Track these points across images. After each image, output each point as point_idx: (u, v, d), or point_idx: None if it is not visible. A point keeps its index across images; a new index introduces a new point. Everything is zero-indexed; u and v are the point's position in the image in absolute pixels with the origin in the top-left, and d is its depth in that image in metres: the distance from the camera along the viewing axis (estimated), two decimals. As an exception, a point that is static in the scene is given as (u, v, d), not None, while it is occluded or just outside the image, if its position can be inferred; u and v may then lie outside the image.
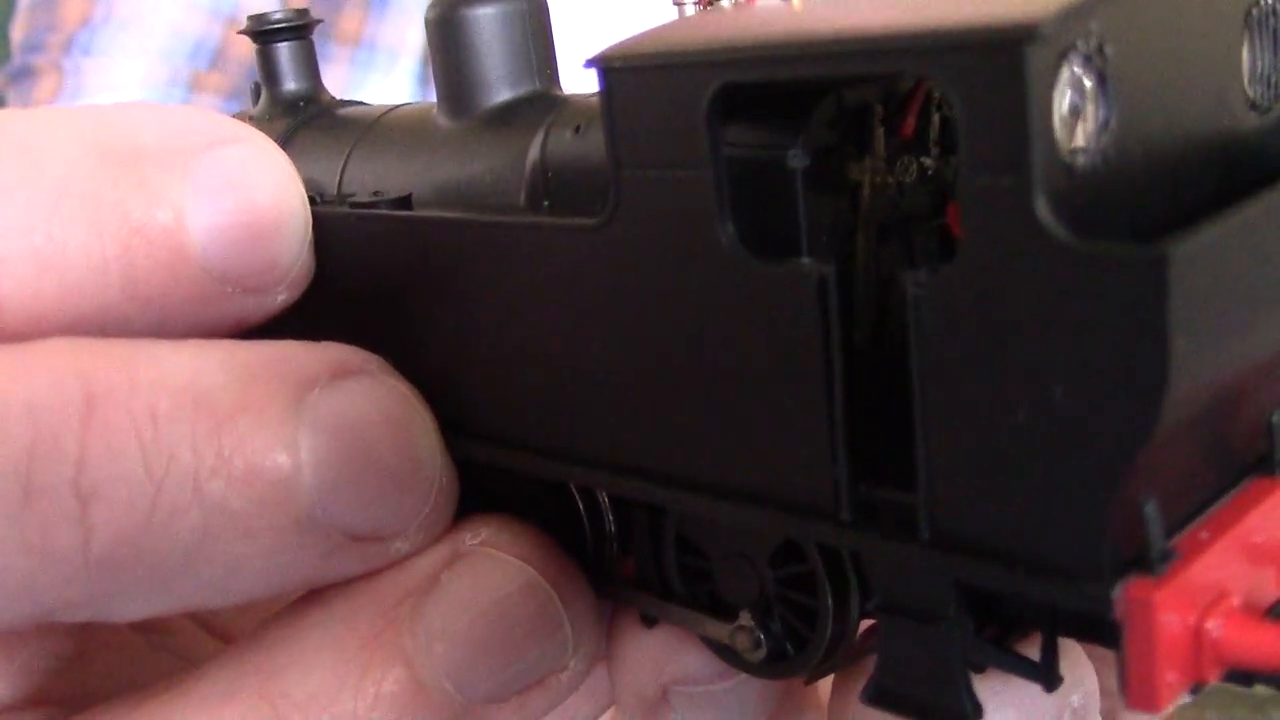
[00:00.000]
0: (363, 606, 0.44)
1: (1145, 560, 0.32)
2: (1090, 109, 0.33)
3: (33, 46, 1.46)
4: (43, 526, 0.39)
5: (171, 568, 0.41)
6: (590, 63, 0.39)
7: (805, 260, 0.36)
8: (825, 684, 0.53)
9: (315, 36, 0.58)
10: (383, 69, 1.41)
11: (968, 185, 0.32)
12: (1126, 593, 0.32)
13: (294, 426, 0.42)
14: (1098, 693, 0.44)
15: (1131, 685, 0.32)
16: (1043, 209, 0.31)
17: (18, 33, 1.49)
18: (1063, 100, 0.32)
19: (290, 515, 0.42)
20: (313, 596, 0.45)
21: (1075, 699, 0.42)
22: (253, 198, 0.44)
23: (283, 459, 0.42)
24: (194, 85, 1.38)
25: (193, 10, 1.39)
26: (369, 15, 1.40)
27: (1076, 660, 0.43)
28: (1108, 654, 0.43)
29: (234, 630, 0.56)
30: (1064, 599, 0.33)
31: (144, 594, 0.42)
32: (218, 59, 1.38)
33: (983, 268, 0.32)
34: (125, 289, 0.43)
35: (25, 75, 1.46)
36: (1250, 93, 0.39)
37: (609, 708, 0.55)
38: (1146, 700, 0.32)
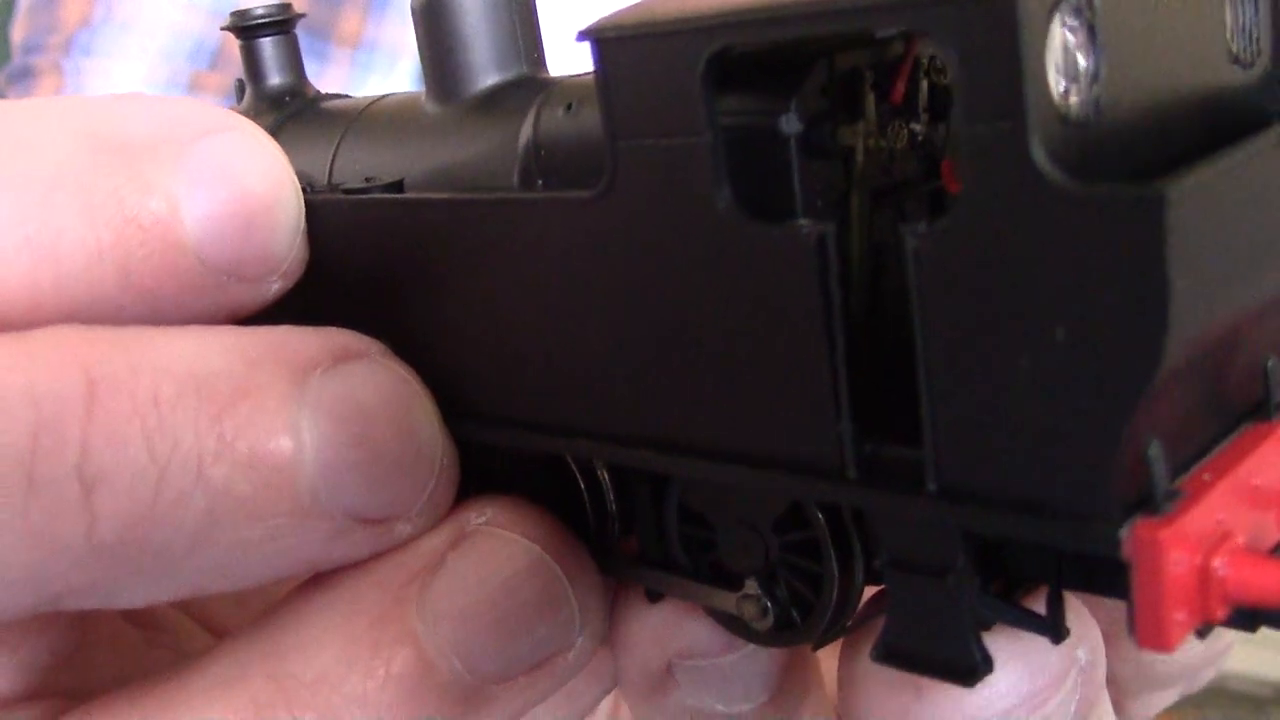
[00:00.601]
0: (369, 588, 0.44)
1: (1151, 501, 0.33)
2: (1081, 58, 0.33)
3: (33, 47, 1.45)
4: (47, 514, 0.39)
5: (176, 552, 0.41)
6: (583, 35, 0.39)
7: (803, 221, 0.37)
8: (827, 658, 0.53)
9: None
10: (382, 70, 1.41)
11: (964, 134, 0.32)
12: (1134, 533, 0.32)
13: (296, 410, 0.42)
14: (1103, 650, 0.44)
15: (1141, 625, 0.33)
16: (1039, 154, 0.31)
17: (18, 33, 1.49)
18: (1055, 49, 0.32)
19: (294, 499, 0.42)
20: (318, 579, 0.45)
21: (1082, 655, 0.43)
22: (245, 186, 0.44)
23: (285, 442, 0.42)
24: (194, 86, 1.38)
25: (192, 10, 1.39)
26: (368, 16, 1.40)
27: (1082, 618, 0.43)
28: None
29: (232, 626, 0.55)
30: (1073, 542, 0.33)
31: (149, 579, 0.42)
32: (218, 59, 1.37)
33: (981, 216, 0.33)
34: (119, 279, 0.43)
35: (25, 76, 1.45)
36: (1233, 47, 0.39)
37: (610, 690, 0.55)
38: (1157, 639, 0.33)
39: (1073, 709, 0.43)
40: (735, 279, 0.38)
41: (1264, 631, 0.38)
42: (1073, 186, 0.31)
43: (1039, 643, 0.41)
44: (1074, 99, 0.33)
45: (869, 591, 0.44)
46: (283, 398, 0.42)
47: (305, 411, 0.43)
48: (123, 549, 0.40)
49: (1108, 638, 0.46)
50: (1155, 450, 0.33)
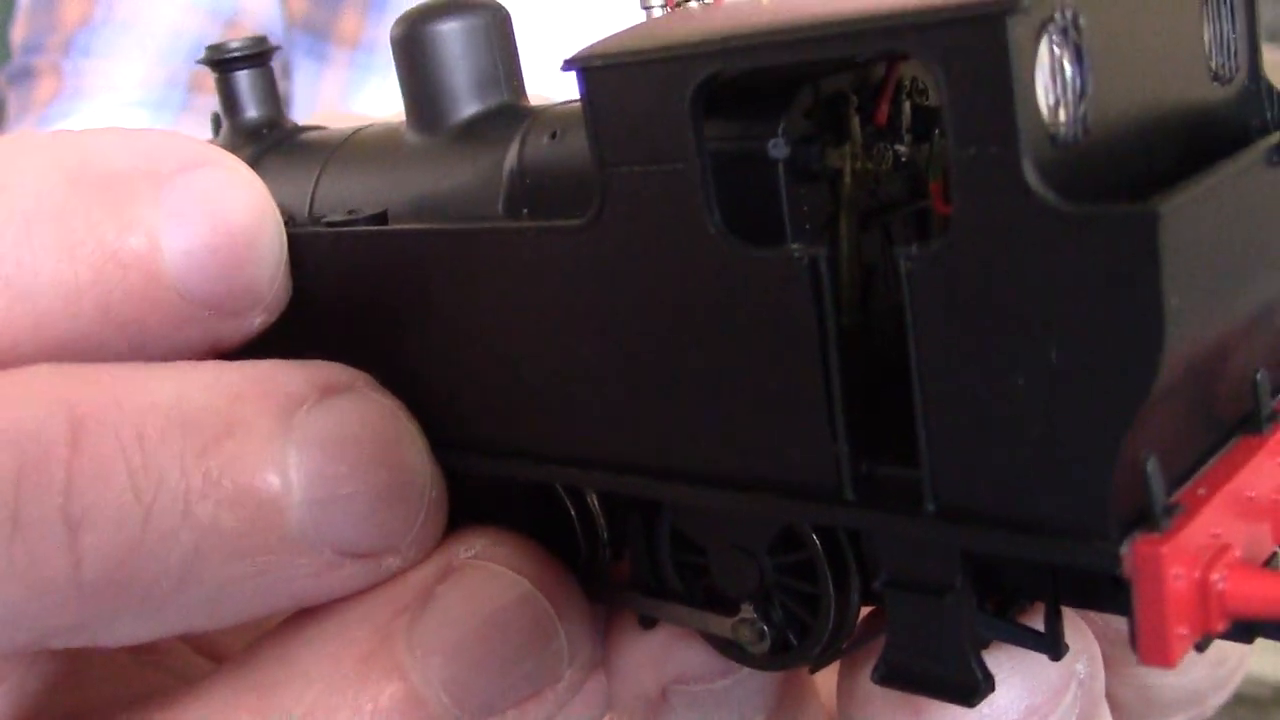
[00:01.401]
0: (358, 621, 0.44)
1: (1150, 516, 0.33)
2: (1068, 79, 0.33)
3: (32, 47, 1.44)
4: (33, 554, 0.39)
5: (164, 591, 0.41)
6: (569, 65, 0.39)
7: (795, 245, 0.37)
8: (824, 680, 0.53)
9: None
10: (382, 71, 1.40)
11: (955, 156, 0.33)
12: (1134, 549, 0.33)
13: (282, 445, 0.42)
14: (1101, 662, 0.44)
15: (1143, 641, 0.33)
16: (1031, 175, 0.32)
17: (17, 34, 1.48)
18: (1044, 71, 0.33)
19: (281, 535, 0.42)
20: (307, 612, 0.45)
21: (1080, 668, 0.43)
22: (226, 221, 0.44)
23: (272, 479, 0.42)
24: (193, 86, 1.37)
25: (192, 11, 1.38)
26: (368, 17, 1.39)
27: (1080, 631, 0.43)
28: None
29: (223, 648, 0.55)
30: (1073, 559, 0.33)
31: (137, 618, 0.41)
32: None
33: (974, 238, 0.33)
34: (100, 316, 0.42)
35: (25, 76, 1.44)
36: (1212, 64, 0.40)
37: (601, 717, 0.55)
38: (1159, 654, 0.33)
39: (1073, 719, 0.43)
40: (727, 304, 0.38)
41: None
42: (1066, 207, 0.31)
43: (1037, 658, 0.42)
44: (1062, 119, 0.33)
45: (864, 614, 0.44)
46: (269, 433, 0.42)
47: (292, 447, 0.42)
48: (109, 588, 0.40)
49: (1109, 661, 0.46)
50: (1152, 466, 0.33)
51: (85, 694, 0.48)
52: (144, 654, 0.53)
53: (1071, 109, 0.33)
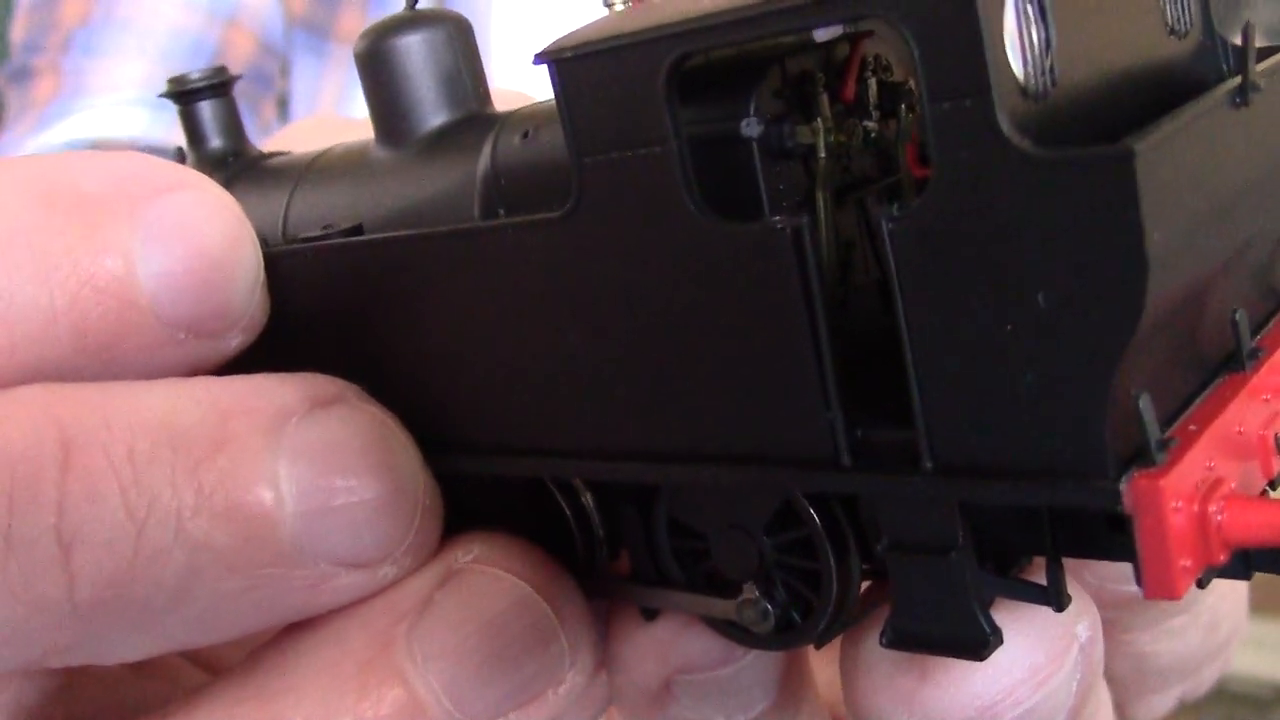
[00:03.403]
0: (356, 629, 0.44)
1: (1145, 452, 0.34)
2: (1034, 32, 0.34)
3: (32, 47, 1.43)
4: (26, 575, 0.39)
5: (158, 608, 0.41)
6: (540, 58, 0.40)
7: (777, 217, 0.37)
8: (821, 671, 0.54)
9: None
10: None
11: (930, 113, 0.33)
12: (1133, 485, 0.33)
13: (273, 459, 0.42)
14: (1101, 627, 0.45)
15: (1149, 575, 0.33)
16: (1006, 124, 0.32)
17: (17, 33, 1.47)
18: (1010, 23, 0.33)
19: (275, 548, 0.42)
20: (305, 622, 0.45)
21: (1082, 630, 0.43)
22: (202, 243, 0.44)
23: (264, 493, 0.42)
24: None
25: (192, 10, 1.38)
26: (368, 14, 1.37)
27: (1080, 596, 0.44)
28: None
29: (222, 659, 0.55)
30: (1074, 501, 0.34)
31: (132, 636, 0.41)
32: (217, 59, 1.35)
33: (954, 192, 0.33)
34: (76, 340, 0.42)
35: (24, 75, 1.42)
36: (1168, 20, 0.41)
37: (601, 715, 0.55)
38: (1165, 587, 0.33)
39: (1074, 687, 0.43)
40: (712, 281, 0.38)
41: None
42: (1043, 153, 0.32)
43: (1039, 621, 0.42)
44: (1031, 71, 0.34)
45: (863, 589, 0.45)
46: (259, 448, 0.42)
47: (283, 460, 0.42)
48: (104, 606, 0.40)
49: (1104, 629, 0.47)
50: (1145, 402, 0.34)
51: (83, 705, 0.48)
52: (142, 666, 0.52)
53: (1039, 61, 0.34)
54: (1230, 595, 0.54)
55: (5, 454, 0.39)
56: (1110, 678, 0.55)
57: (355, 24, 1.38)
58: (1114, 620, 0.53)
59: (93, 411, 0.41)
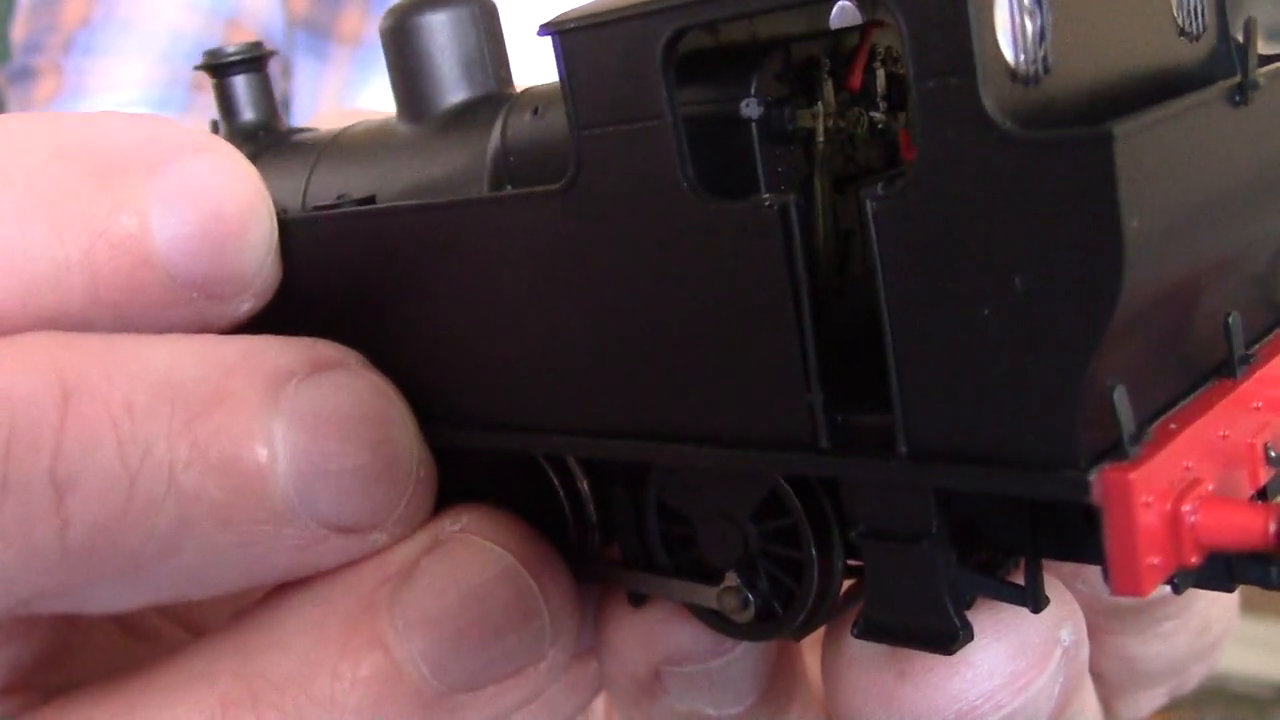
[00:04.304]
0: (342, 591, 0.44)
1: (1118, 445, 0.33)
2: (1028, 17, 0.34)
3: (33, 47, 1.46)
4: (19, 517, 0.39)
5: (148, 558, 0.41)
6: (544, 29, 0.40)
7: (766, 195, 0.37)
8: (813, 659, 0.53)
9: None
10: (383, 70, 1.40)
11: (916, 91, 0.33)
12: (1103, 476, 0.33)
13: (269, 418, 0.43)
14: (1085, 632, 0.44)
15: (1115, 570, 0.33)
16: (990, 103, 0.32)
17: (18, 33, 1.49)
18: (1002, 5, 0.33)
19: (266, 506, 0.42)
20: (293, 583, 0.45)
21: (1065, 635, 0.43)
22: (218, 207, 0.45)
23: (259, 450, 0.42)
24: (194, 86, 1.38)
25: (193, 11, 1.40)
26: (369, 15, 1.40)
27: (1065, 600, 0.43)
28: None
29: (210, 625, 0.55)
30: (1043, 491, 0.34)
31: (121, 584, 0.42)
32: None
33: (937, 172, 0.33)
34: (88, 293, 0.43)
35: (25, 75, 1.45)
36: (1179, 21, 0.40)
37: (590, 702, 0.55)
38: (1131, 584, 0.33)
39: (1056, 691, 0.43)
40: (702, 258, 0.38)
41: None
42: (1024, 133, 0.32)
43: (1022, 624, 0.41)
44: (1022, 57, 0.34)
45: (847, 587, 0.44)
46: (257, 406, 0.43)
47: (279, 420, 0.43)
48: (94, 553, 0.40)
49: (1092, 631, 0.46)
50: (1120, 395, 0.33)
51: (76, 668, 0.49)
52: (139, 639, 0.53)
53: (1031, 46, 0.34)
54: (1222, 598, 0.53)
55: (6, 396, 0.40)
56: (1098, 676, 0.55)
57: (356, 25, 1.40)
58: (1104, 625, 0.52)
59: (95, 361, 0.41)
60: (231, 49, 0.59)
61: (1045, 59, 0.34)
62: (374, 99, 1.31)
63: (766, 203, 0.37)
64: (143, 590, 0.42)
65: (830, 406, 0.37)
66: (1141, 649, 0.53)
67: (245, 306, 0.47)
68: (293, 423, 0.43)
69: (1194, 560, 0.34)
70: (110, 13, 1.42)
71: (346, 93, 1.33)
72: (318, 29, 1.38)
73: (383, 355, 0.47)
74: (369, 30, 1.39)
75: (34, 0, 1.48)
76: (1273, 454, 0.37)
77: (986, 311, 0.33)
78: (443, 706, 0.44)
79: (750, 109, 0.39)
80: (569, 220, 0.41)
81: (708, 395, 0.39)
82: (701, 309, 0.39)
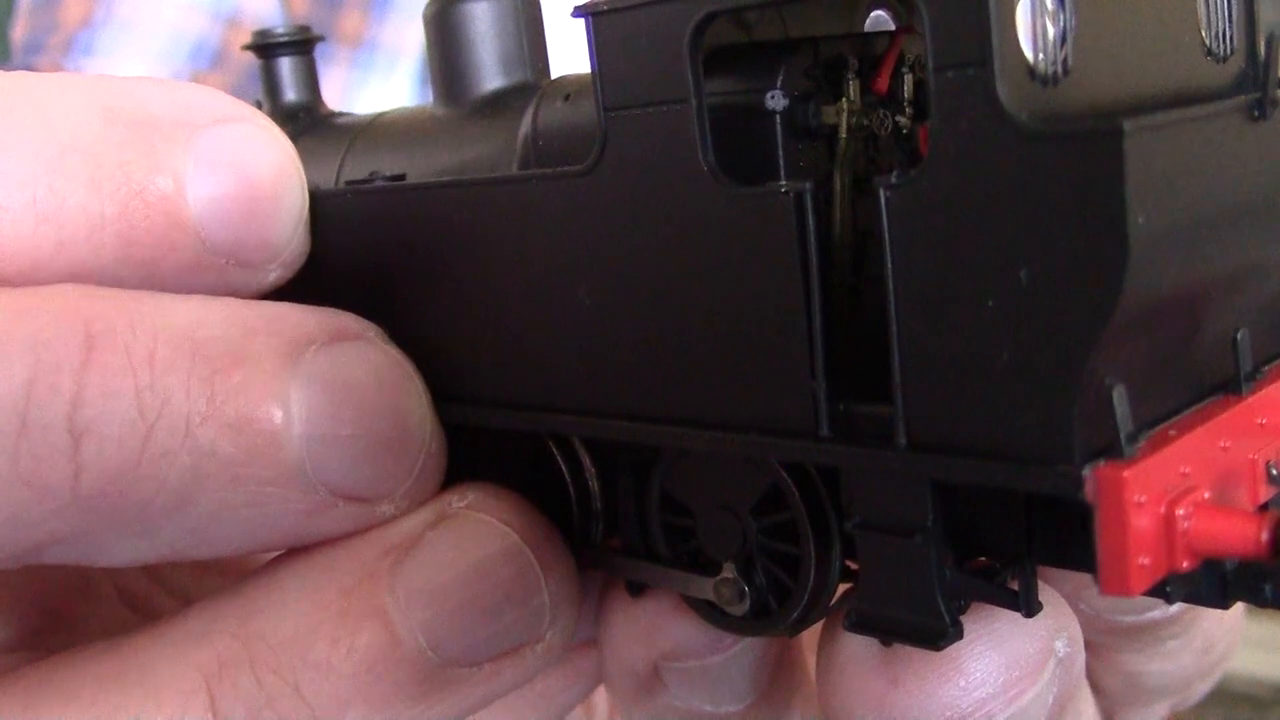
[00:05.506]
0: (344, 559, 0.45)
1: (1115, 444, 0.33)
2: (1050, 19, 0.34)
3: (33, 47, 1.47)
4: (36, 459, 0.40)
5: (159, 509, 0.42)
6: (578, 11, 0.41)
7: (783, 182, 0.38)
8: (814, 658, 0.53)
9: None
10: (383, 70, 1.43)
11: (934, 81, 0.33)
12: (1097, 473, 0.33)
13: (287, 381, 0.43)
14: (1082, 643, 0.44)
15: (1104, 567, 0.33)
16: (1005, 95, 0.32)
17: (18, 33, 1.51)
18: (1025, 6, 0.34)
19: (278, 467, 0.43)
20: (297, 549, 0.45)
21: (1060, 646, 0.42)
22: (252, 175, 0.46)
23: (274, 411, 0.43)
24: None
25: (193, 11, 1.42)
26: (369, 16, 1.42)
27: (1062, 611, 0.43)
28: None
29: None
30: (1037, 485, 0.34)
31: (130, 536, 0.42)
32: (218, 60, 1.40)
33: (950, 162, 0.34)
34: (120, 249, 0.44)
35: None
36: (1207, 42, 0.41)
37: (587, 695, 0.55)
38: (1120, 583, 0.33)
39: (1050, 700, 0.43)
40: (718, 242, 0.39)
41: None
42: (1037, 126, 0.32)
43: (1016, 633, 0.41)
44: (1042, 56, 0.34)
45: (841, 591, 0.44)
46: (276, 368, 0.43)
47: (297, 384, 0.43)
48: (106, 501, 0.41)
49: (1097, 649, 0.46)
50: (1119, 394, 0.33)
51: (83, 632, 0.49)
52: (139, 607, 0.53)
53: (1052, 45, 0.34)
54: (1226, 618, 0.52)
55: (31, 340, 0.40)
56: (1100, 690, 0.54)
57: (356, 25, 1.41)
58: (1108, 644, 0.52)
59: (121, 313, 0.42)
60: (281, 30, 0.60)
61: (1065, 62, 0.35)
62: (373, 100, 1.32)
63: (783, 189, 0.37)
64: (151, 543, 0.43)
65: (834, 395, 0.37)
66: (1144, 666, 0.53)
67: (272, 275, 0.47)
68: (310, 388, 0.44)
69: (1185, 565, 0.34)
70: (111, 13, 1.44)
71: (346, 94, 1.34)
72: (318, 30, 1.39)
73: (402, 331, 0.47)
74: (369, 31, 1.41)
75: (34, 0, 1.50)
76: (1274, 472, 0.37)
77: (991, 303, 0.33)
78: (438, 679, 0.44)
79: (775, 101, 0.40)
80: (592, 200, 0.41)
81: (716, 379, 0.40)
82: (715, 292, 0.39)
